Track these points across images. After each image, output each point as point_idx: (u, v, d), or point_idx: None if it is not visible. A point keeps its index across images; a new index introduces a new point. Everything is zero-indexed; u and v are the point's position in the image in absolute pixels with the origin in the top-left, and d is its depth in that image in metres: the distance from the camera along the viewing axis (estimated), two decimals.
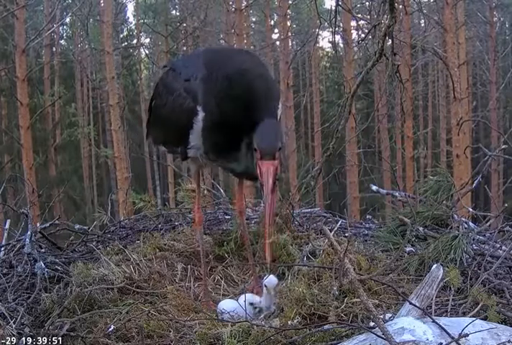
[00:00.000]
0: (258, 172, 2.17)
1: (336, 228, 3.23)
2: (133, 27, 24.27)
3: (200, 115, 2.33)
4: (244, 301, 2.42)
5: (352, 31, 14.09)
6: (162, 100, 2.58)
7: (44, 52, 19.47)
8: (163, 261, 2.83)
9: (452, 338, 1.80)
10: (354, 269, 2.46)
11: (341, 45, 14.79)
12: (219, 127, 2.31)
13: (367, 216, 3.83)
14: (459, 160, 9.72)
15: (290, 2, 15.45)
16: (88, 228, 3.45)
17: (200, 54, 2.65)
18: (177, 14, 21.92)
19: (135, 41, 23.53)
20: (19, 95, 11.13)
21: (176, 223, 3.43)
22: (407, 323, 1.90)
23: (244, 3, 13.39)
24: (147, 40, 25.18)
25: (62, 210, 16.08)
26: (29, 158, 11.25)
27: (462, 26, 11.19)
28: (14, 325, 2.17)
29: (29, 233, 2.84)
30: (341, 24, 11.49)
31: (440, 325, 1.86)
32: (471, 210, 3.55)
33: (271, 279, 2.46)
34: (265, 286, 2.43)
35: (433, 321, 1.89)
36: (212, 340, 2.13)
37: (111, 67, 11.92)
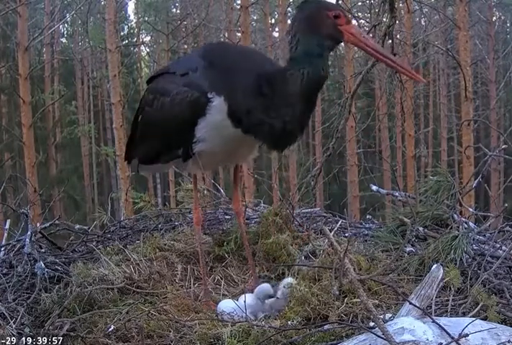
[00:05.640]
0: (349, 34, 2.40)
1: (336, 228, 3.21)
2: (133, 25, 24.28)
3: (217, 100, 2.31)
4: (244, 301, 2.42)
5: None
6: (155, 106, 2.54)
7: (44, 50, 19.47)
8: (163, 261, 2.82)
9: (452, 338, 1.80)
10: (354, 269, 2.46)
11: (342, 44, 14.74)
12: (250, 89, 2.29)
13: (367, 216, 3.82)
14: (469, 161, 9.59)
15: (290, 0, 15.41)
16: (88, 228, 3.44)
17: (195, 51, 2.67)
18: (178, 11, 21.93)
19: (135, 39, 23.52)
20: (22, 93, 11.07)
21: (176, 223, 3.42)
22: (407, 323, 1.90)
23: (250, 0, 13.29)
24: (148, 38, 25.21)
25: (62, 209, 16.10)
26: (31, 156, 11.21)
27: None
28: (14, 325, 2.17)
29: (29, 233, 2.85)
30: None
31: (440, 325, 1.87)
32: (471, 210, 3.54)
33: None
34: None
35: (433, 321, 1.89)
36: (212, 340, 2.13)
37: (114, 65, 11.79)
